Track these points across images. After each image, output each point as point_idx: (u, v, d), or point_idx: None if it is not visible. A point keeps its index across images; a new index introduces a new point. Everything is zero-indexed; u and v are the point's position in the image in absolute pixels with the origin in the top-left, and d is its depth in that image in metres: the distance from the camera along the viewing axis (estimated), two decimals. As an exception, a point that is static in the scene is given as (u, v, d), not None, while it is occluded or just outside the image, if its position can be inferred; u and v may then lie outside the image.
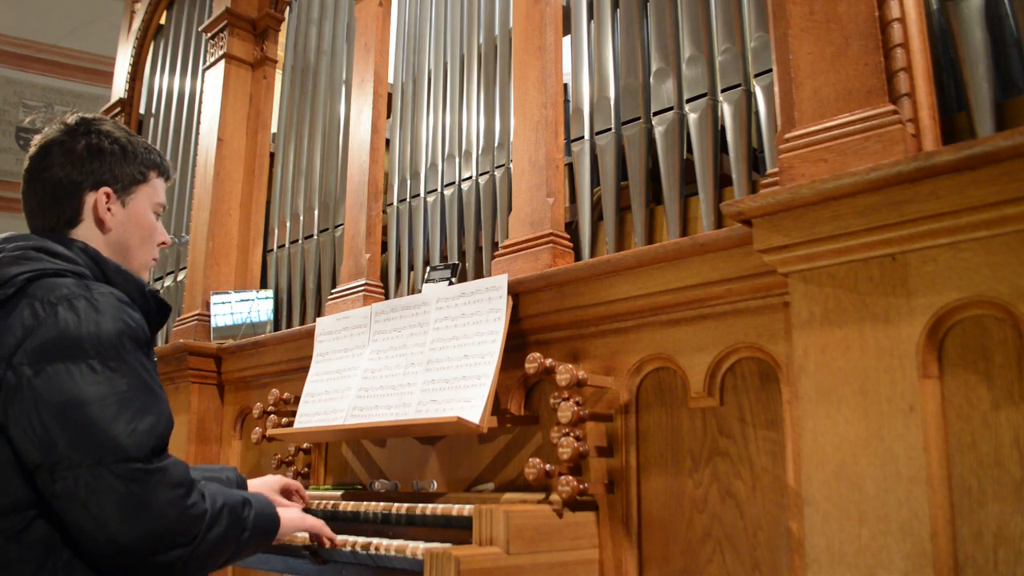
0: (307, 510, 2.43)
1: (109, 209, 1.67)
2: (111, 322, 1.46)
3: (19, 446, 1.40)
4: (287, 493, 2.30)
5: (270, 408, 3.07)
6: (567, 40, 2.88)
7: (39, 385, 1.39)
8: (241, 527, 1.59)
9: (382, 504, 2.35)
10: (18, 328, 1.42)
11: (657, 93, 2.49)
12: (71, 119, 1.69)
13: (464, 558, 1.80)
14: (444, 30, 3.37)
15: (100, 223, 1.67)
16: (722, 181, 2.35)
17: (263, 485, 2.24)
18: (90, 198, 1.66)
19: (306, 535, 2.11)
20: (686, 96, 2.42)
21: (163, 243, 1.80)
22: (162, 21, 5.39)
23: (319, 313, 3.58)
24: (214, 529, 1.50)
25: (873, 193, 1.56)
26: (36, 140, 1.69)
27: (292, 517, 1.90)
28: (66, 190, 1.64)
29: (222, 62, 4.40)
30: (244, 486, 2.14)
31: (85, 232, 1.66)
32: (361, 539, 2.10)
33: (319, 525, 2.01)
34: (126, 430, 1.40)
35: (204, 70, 4.59)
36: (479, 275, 3.01)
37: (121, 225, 1.70)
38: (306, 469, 3.09)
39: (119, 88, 5.51)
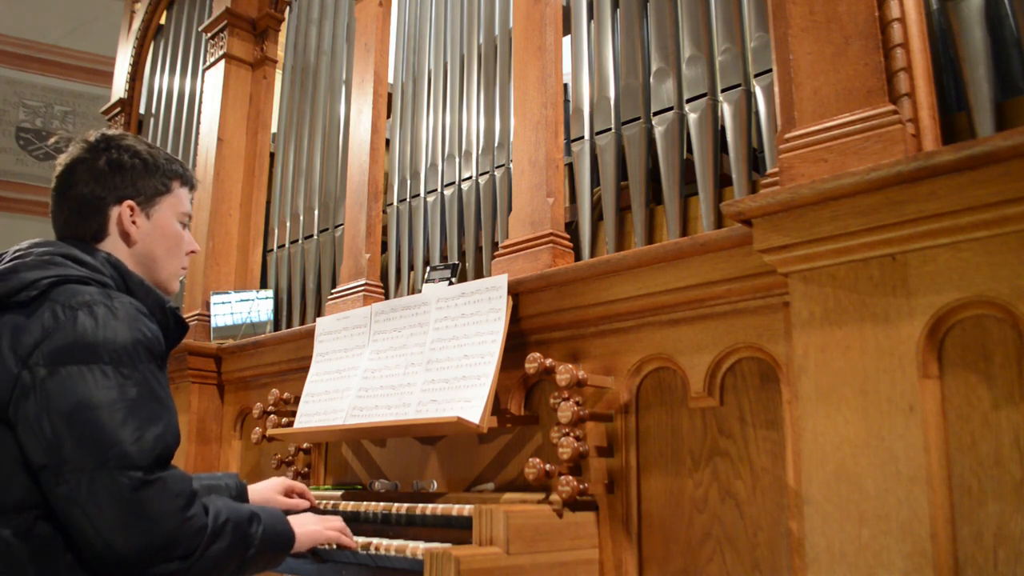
0: (312, 510, 2.44)
1: (134, 222, 1.71)
2: (128, 330, 1.48)
3: (26, 445, 1.41)
4: (290, 494, 2.29)
5: (270, 408, 3.07)
6: (567, 40, 2.88)
7: (51, 386, 1.40)
8: (246, 544, 1.57)
9: (382, 504, 2.35)
10: (37, 330, 1.44)
11: (657, 93, 2.49)
12: (92, 136, 1.73)
13: (464, 558, 1.80)
14: (444, 30, 3.37)
15: (125, 236, 1.70)
16: (722, 181, 2.35)
17: (266, 488, 2.23)
18: (114, 212, 1.69)
19: None
20: (686, 96, 2.42)
21: (192, 251, 1.83)
22: (162, 21, 5.39)
23: (319, 313, 3.58)
24: (215, 544, 1.48)
25: (873, 193, 1.56)
26: (61, 159, 1.73)
27: (310, 531, 1.87)
28: (91, 206, 1.68)
29: (222, 62, 4.40)
30: (244, 492, 2.12)
31: (111, 246, 1.69)
32: (361, 539, 2.10)
33: (337, 536, 1.97)
34: (132, 437, 1.41)
35: (204, 70, 4.59)
36: (479, 275, 3.01)
37: (147, 237, 1.73)
38: (306, 469, 3.09)
39: (119, 88, 5.51)
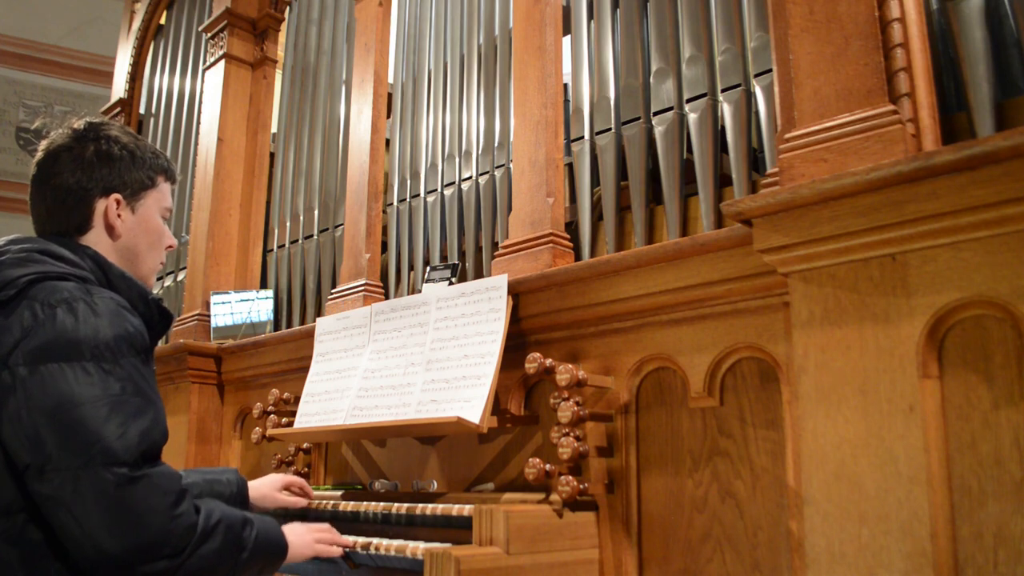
0: (309, 511, 2.44)
1: (119, 215, 1.67)
2: (109, 326, 1.45)
3: (10, 446, 1.39)
4: (289, 490, 2.29)
5: (270, 408, 3.07)
6: (567, 40, 2.88)
7: (32, 385, 1.38)
8: (239, 547, 1.54)
9: (382, 504, 2.35)
10: (16, 329, 1.42)
11: (657, 93, 2.49)
12: (79, 124, 1.68)
13: (464, 558, 1.80)
14: (444, 30, 3.37)
15: (110, 229, 1.67)
16: (722, 181, 2.35)
17: (265, 484, 2.24)
18: (100, 204, 1.66)
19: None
20: (686, 96, 2.42)
21: (170, 246, 1.80)
22: (162, 21, 5.39)
23: (319, 313, 3.58)
24: (206, 545, 1.46)
25: (873, 193, 1.56)
26: (43, 145, 1.68)
27: (303, 543, 1.85)
28: (76, 196, 1.64)
29: (222, 62, 4.40)
30: (244, 487, 2.13)
31: (95, 238, 1.65)
32: (361, 539, 2.10)
33: (327, 550, 1.96)
34: (116, 432, 1.38)
35: (204, 70, 4.59)
36: (479, 275, 3.01)
37: (130, 231, 1.69)
38: (306, 469, 3.09)
39: (119, 88, 5.51)
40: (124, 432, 1.39)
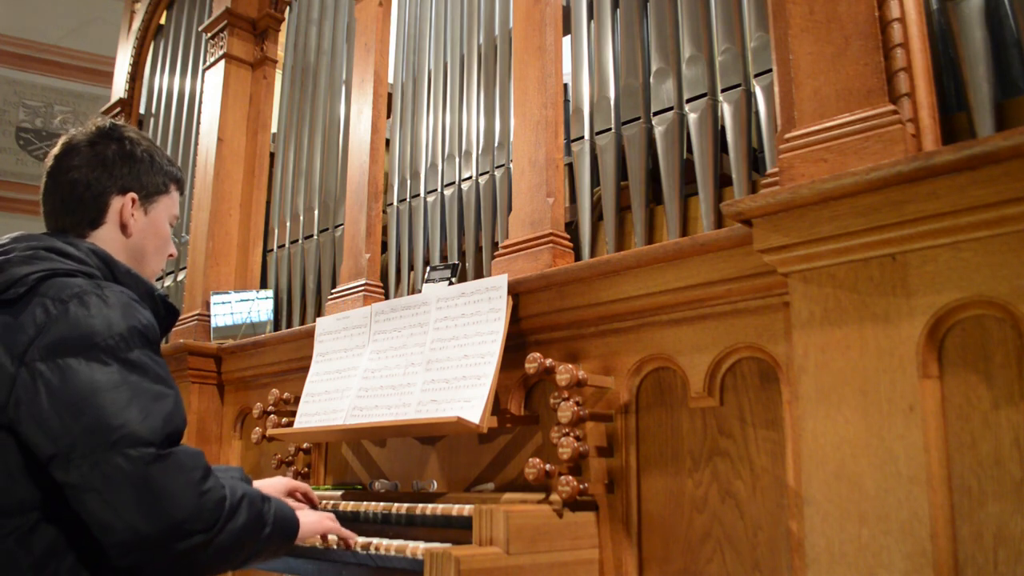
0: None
1: (132, 215, 1.70)
2: (122, 317, 1.47)
3: (31, 439, 1.39)
4: (293, 495, 2.28)
5: (270, 408, 3.07)
6: (567, 40, 2.88)
7: (52, 379, 1.39)
8: (262, 522, 1.55)
9: (382, 504, 2.35)
10: (30, 326, 1.43)
11: (657, 93, 2.49)
12: (102, 122, 1.72)
13: (464, 558, 1.80)
14: (444, 30, 3.37)
15: (123, 227, 1.70)
16: (722, 181, 2.35)
17: (271, 486, 2.22)
18: (116, 202, 1.69)
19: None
20: (686, 96, 2.42)
21: (171, 255, 1.83)
22: (162, 21, 5.39)
23: (319, 313, 3.58)
24: (234, 519, 1.47)
25: (873, 193, 1.56)
26: (63, 139, 1.71)
27: (311, 520, 1.85)
28: (92, 191, 1.66)
29: (222, 62, 4.40)
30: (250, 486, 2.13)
31: (106, 234, 1.68)
32: (361, 539, 2.10)
33: (338, 527, 1.96)
34: (138, 416, 1.39)
35: (204, 70, 4.59)
36: (479, 275, 3.01)
37: (141, 232, 1.73)
38: (306, 469, 3.09)
39: (119, 88, 5.51)
40: (147, 416, 1.40)
